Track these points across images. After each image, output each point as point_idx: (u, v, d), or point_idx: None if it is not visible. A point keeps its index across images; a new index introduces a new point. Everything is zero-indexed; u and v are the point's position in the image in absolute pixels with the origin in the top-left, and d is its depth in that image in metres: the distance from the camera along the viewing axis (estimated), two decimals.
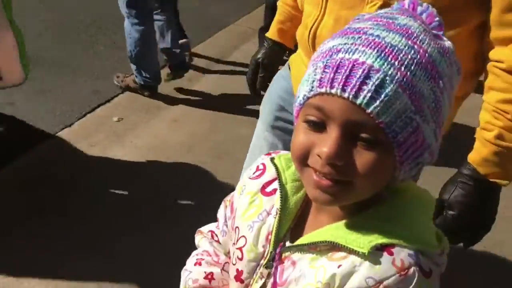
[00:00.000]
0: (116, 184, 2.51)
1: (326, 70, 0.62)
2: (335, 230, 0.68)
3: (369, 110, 0.60)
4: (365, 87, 0.59)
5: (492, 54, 1.06)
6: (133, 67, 3.23)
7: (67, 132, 2.89)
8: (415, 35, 0.63)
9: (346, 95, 0.60)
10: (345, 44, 0.63)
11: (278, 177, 0.77)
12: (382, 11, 0.68)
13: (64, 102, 3.17)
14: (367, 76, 0.59)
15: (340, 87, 0.60)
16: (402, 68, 0.60)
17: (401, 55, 0.60)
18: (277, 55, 1.51)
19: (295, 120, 0.70)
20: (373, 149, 0.61)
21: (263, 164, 0.81)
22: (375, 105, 0.59)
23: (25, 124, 2.91)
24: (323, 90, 0.62)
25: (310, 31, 1.18)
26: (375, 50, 0.61)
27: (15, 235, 2.14)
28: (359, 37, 0.62)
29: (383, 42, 0.61)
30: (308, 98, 0.64)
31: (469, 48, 1.11)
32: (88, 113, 3.10)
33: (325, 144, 0.62)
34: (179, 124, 3.11)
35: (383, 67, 0.60)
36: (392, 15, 0.66)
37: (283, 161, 0.79)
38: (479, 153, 1.07)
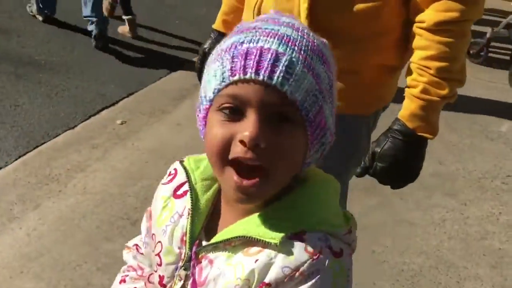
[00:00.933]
0: (113, 187, 2.50)
1: (235, 59, 0.64)
2: (246, 224, 0.69)
3: (283, 89, 0.63)
4: (276, 69, 0.63)
5: (416, 17, 1.14)
6: None
7: (70, 134, 2.90)
8: (300, 28, 0.69)
9: (260, 78, 0.63)
10: (245, 37, 0.66)
11: (188, 178, 0.77)
12: (263, 16, 0.74)
13: (68, 105, 3.18)
14: (276, 59, 0.63)
15: (253, 71, 0.63)
16: (302, 52, 0.65)
17: (297, 42, 0.66)
18: None
19: (200, 121, 0.72)
20: (290, 129, 0.65)
21: (175, 169, 0.82)
22: (288, 84, 0.63)
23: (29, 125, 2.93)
24: (236, 77, 0.64)
25: (254, 8, 1.23)
26: (276, 38, 0.65)
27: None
28: (256, 31, 0.66)
29: (280, 33, 0.66)
30: (219, 90, 0.66)
31: (400, 16, 1.19)
32: (92, 115, 3.11)
33: (247, 128, 0.63)
34: (182, 127, 3.10)
35: (287, 51, 0.64)
36: (274, 16, 0.71)
37: (192, 163, 0.79)
38: (407, 109, 1.16)
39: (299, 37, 0.66)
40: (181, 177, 0.79)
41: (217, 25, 1.53)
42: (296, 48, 0.65)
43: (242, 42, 0.65)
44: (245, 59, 0.63)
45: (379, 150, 1.18)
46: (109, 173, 2.61)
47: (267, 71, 0.63)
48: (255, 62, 0.63)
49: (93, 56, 3.83)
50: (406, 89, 1.17)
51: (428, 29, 1.12)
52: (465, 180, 2.85)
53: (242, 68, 0.63)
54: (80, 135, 2.92)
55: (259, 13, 1.23)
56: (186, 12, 4.74)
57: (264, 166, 0.64)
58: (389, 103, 1.35)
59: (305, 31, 0.69)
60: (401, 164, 1.18)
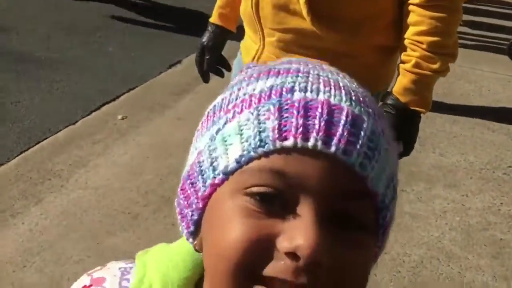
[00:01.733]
0: (115, 182, 2.51)
1: (285, 114, 0.40)
2: None
3: (365, 174, 0.39)
4: (354, 138, 0.39)
5: None
6: None
7: (71, 130, 2.91)
8: (342, 74, 0.47)
9: (331, 149, 0.39)
10: (293, 82, 0.42)
11: None
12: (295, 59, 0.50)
13: (69, 101, 3.19)
14: (354, 125, 0.40)
15: (321, 137, 0.39)
16: (376, 116, 0.42)
17: (367, 99, 0.43)
18: (219, 38, 1.56)
19: (194, 203, 0.44)
20: (363, 237, 0.40)
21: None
22: (370, 166, 0.39)
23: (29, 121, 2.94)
24: (288, 143, 0.39)
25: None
26: (342, 91, 0.42)
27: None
28: (307, 76, 0.43)
29: (340, 83, 0.43)
30: (250, 160, 0.40)
31: None
32: (93, 111, 3.11)
33: (300, 232, 0.37)
34: (182, 122, 3.10)
35: (362, 113, 0.41)
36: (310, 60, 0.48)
37: (155, 273, 0.49)
38: (400, 83, 1.19)
39: (358, 88, 0.44)
40: None
41: (214, 18, 1.54)
42: (370, 110, 0.42)
43: (291, 89, 0.41)
44: (305, 115, 0.39)
45: None
46: (110, 168, 2.61)
47: (343, 141, 0.39)
48: (323, 123, 0.39)
49: (93, 52, 3.83)
50: (400, 65, 1.21)
51: (420, 5, 1.15)
52: (467, 171, 2.85)
53: (301, 129, 0.39)
54: (81, 130, 2.92)
55: (257, 4, 1.23)
56: (186, 6, 4.73)
57: None
58: (390, 84, 1.37)
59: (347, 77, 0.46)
60: (395, 139, 1.21)
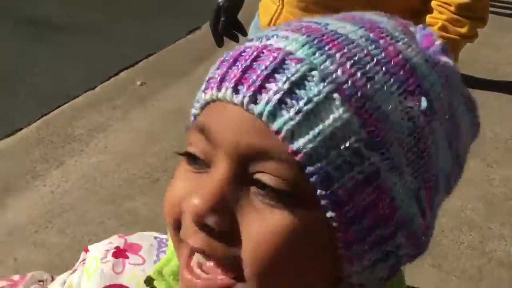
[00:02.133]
0: (134, 147, 2.51)
1: (221, 66, 0.38)
2: None
3: (274, 126, 0.34)
4: (269, 85, 0.34)
5: None
6: None
7: (90, 95, 2.90)
8: (384, 30, 0.38)
9: (239, 98, 0.35)
10: (265, 34, 0.38)
11: None
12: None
13: (87, 66, 3.18)
14: (278, 68, 0.34)
15: (232, 85, 0.35)
16: (348, 64, 0.35)
17: (351, 46, 0.36)
18: None
19: None
20: (283, 207, 0.34)
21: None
22: (286, 117, 0.34)
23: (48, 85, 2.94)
24: (207, 96, 0.37)
25: None
26: (305, 35, 0.36)
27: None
28: (299, 25, 0.38)
29: (325, 29, 0.37)
30: (195, 117, 0.41)
31: None
32: (112, 76, 3.10)
33: (197, 191, 0.36)
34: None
35: (312, 57, 0.35)
36: (366, 14, 0.42)
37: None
38: None
39: (362, 39, 0.37)
40: None
41: None
42: (337, 55, 0.35)
43: (252, 40, 0.39)
44: (232, 64, 0.36)
45: None
46: (130, 133, 2.61)
47: (252, 87, 0.34)
48: (240, 71, 0.35)
49: (111, 17, 3.80)
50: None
51: None
52: (492, 142, 2.78)
53: (218, 79, 0.37)
54: (100, 95, 2.92)
55: None
56: None
57: (227, 264, 0.36)
58: None
59: (395, 34, 0.38)
60: None
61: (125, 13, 3.88)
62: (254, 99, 0.34)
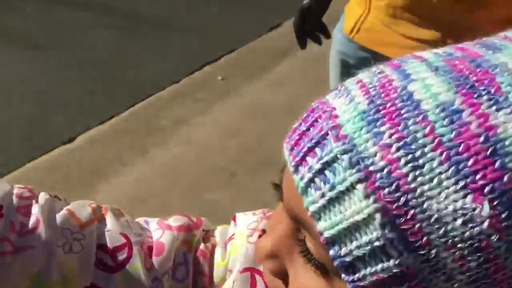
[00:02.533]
0: (214, 140, 2.59)
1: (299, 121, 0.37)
2: None
3: (305, 203, 0.33)
4: (310, 159, 0.33)
5: None
6: None
7: (174, 88, 3.02)
8: (491, 88, 0.29)
9: (291, 163, 0.34)
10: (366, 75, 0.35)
11: None
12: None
13: (173, 59, 3.31)
14: (321, 141, 0.32)
15: (289, 147, 0.35)
16: (394, 147, 0.29)
17: (411, 121, 0.29)
18: (322, 1, 1.48)
19: None
20: (321, 275, 0.35)
21: None
22: (313, 197, 0.32)
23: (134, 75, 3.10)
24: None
25: None
26: (367, 101, 0.32)
27: None
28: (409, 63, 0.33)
29: (397, 92, 0.31)
30: None
31: None
32: (195, 70, 3.21)
33: (269, 235, 0.40)
34: (281, 86, 3.10)
35: (356, 134, 0.31)
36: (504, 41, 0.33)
37: None
38: None
39: (436, 112, 0.29)
40: None
41: None
42: (387, 133, 0.30)
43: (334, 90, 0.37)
44: (299, 124, 0.35)
45: None
46: (211, 127, 2.70)
47: (297, 158, 0.33)
48: (298, 132, 0.34)
49: (197, 13, 3.92)
50: None
51: None
52: None
53: (288, 136, 0.36)
54: (184, 89, 3.03)
55: None
56: None
57: None
58: None
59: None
60: None
61: (212, 8, 3.98)
62: (296, 169, 0.33)
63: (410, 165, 0.29)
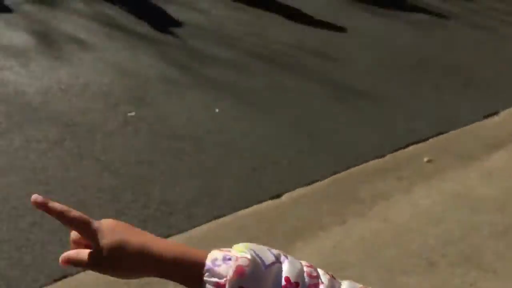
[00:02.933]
0: (414, 222, 2.53)
1: None
2: None
3: None
4: None
5: None
6: None
7: (378, 162, 3.07)
8: None
9: None
10: None
11: None
12: None
13: (379, 134, 3.37)
14: None
15: None
16: None
17: None
18: None
19: None
20: None
21: None
22: None
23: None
24: None
25: None
26: None
27: None
28: None
29: None
30: None
31: None
32: (400, 148, 3.22)
33: None
34: (492, 177, 2.91)
35: None
36: None
37: None
38: None
39: None
40: None
41: None
42: None
43: None
44: None
45: None
46: (411, 208, 2.65)
47: None
48: None
49: (408, 91, 3.96)
50: None
51: None
52: None
53: None
54: (388, 165, 3.06)
55: None
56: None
57: None
58: None
59: None
60: None
61: (425, 87, 3.99)
62: None
63: None
